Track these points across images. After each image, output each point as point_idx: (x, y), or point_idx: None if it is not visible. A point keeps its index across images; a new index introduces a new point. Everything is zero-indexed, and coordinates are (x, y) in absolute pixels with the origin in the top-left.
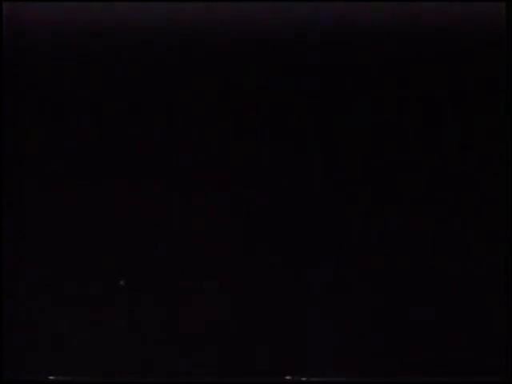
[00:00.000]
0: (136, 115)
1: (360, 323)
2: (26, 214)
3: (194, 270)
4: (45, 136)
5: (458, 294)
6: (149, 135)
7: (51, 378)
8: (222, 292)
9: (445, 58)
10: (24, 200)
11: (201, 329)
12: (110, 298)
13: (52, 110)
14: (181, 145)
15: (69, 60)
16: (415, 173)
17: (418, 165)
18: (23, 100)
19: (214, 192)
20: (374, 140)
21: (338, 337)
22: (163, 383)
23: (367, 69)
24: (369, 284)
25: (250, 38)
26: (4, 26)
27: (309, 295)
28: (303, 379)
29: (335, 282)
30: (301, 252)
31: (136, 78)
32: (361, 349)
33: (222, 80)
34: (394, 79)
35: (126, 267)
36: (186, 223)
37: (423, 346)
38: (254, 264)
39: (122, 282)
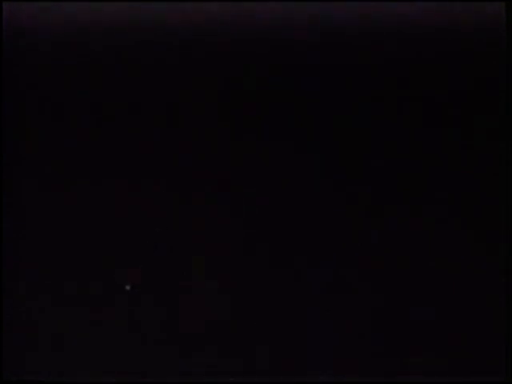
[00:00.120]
0: (136, 115)
1: (360, 323)
2: (26, 214)
3: (194, 269)
4: (45, 136)
5: (458, 294)
6: (149, 135)
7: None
8: (221, 292)
9: (445, 58)
10: (24, 200)
11: (201, 329)
12: (109, 298)
13: (52, 110)
14: (181, 145)
15: (69, 60)
16: (415, 173)
17: (418, 165)
18: (23, 100)
19: (214, 192)
20: (374, 140)
21: (337, 337)
22: (163, 383)
23: (367, 69)
24: (369, 284)
25: (250, 37)
26: (4, 26)
27: (309, 295)
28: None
29: (335, 281)
30: (301, 252)
31: (136, 78)
32: (361, 349)
33: (222, 80)
34: (394, 79)
35: (126, 267)
36: (186, 223)
37: (423, 345)
38: (253, 264)
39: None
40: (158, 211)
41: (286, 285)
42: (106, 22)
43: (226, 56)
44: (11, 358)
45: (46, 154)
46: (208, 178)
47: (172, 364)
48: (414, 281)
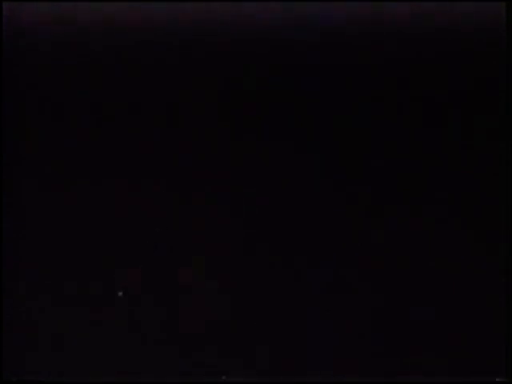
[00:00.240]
0: (136, 115)
1: (360, 323)
2: (26, 214)
3: (194, 269)
4: (45, 136)
5: (458, 294)
6: (149, 135)
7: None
8: (221, 292)
9: (445, 58)
10: (24, 200)
11: (201, 329)
12: (110, 298)
13: (52, 110)
14: (181, 145)
15: (69, 60)
16: (415, 173)
17: (418, 165)
18: (23, 100)
19: (213, 192)
20: (374, 140)
21: (337, 337)
22: (163, 383)
23: (367, 69)
24: (369, 284)
25: (250, 37)
26: (4, 26)
27: (309, 295)
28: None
29: (335, 281)
30: (301, 252)
31: (136, 78)
32: (361, 349)
33: (222, 80)
34: (394, 79)
35: (125, 267)
36: (186, 223)
37: (423, 345)
38: (254, 264)
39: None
40: (158, 211)
41: (285, 285)
42: (106, 22)
43: (226, 56)
44: (11, 358)
45: (45, 154)
46: (208, 177)
47: (172, 364)
48: (414, 281)
